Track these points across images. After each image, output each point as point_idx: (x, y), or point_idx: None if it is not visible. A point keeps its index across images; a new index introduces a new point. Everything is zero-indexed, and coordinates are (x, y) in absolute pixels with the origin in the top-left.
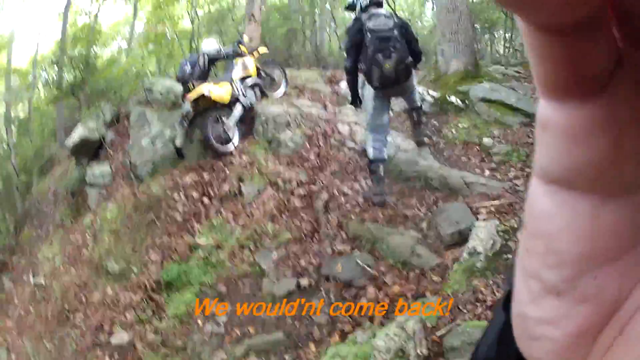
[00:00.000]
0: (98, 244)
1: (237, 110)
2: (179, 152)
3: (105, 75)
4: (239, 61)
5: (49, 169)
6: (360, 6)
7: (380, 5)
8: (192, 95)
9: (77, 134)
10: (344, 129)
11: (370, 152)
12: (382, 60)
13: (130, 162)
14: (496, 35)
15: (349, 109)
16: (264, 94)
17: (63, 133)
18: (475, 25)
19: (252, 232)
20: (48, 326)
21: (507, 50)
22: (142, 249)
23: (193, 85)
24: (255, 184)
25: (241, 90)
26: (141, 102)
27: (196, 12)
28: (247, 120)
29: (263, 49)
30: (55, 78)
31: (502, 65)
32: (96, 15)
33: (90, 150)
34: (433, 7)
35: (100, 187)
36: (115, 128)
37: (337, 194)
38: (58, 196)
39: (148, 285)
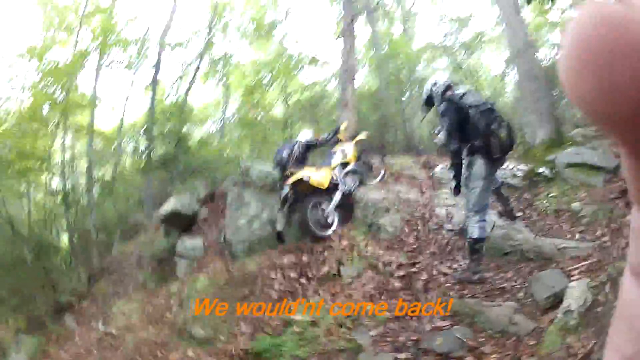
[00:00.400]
0: (184, 309)
1: (337, 195)
2: (280, 236)
3: (199, 155)
4: (338, 148)
5: (132, 235)
6: (438, 94)
7: (452, 87)
8: (292, 179)
9: (170, 205)
10: (441, 212)
11: (476, 232)
12: (498, 130)
13: (225, 239)
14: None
15: (445, 192)
16: (362, 181)
17: (151, 203)
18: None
19: (350, 311)
20: None
21: None
22: (232, 320)
23: (290, 171)
24: (354, 267)
25: (340, 176)
26: (238, 183)
27: (287, 99)
28: (347, 206)
29: (363, 135)
30: (143, 149)
31: (581, 127)
32: (186, 94)
33: (181, 223)
34: (516, 77)
35: (190, 258)
36: (209, 205)
37: (436, 274)
38: (142, 260)
39: (235, 353)
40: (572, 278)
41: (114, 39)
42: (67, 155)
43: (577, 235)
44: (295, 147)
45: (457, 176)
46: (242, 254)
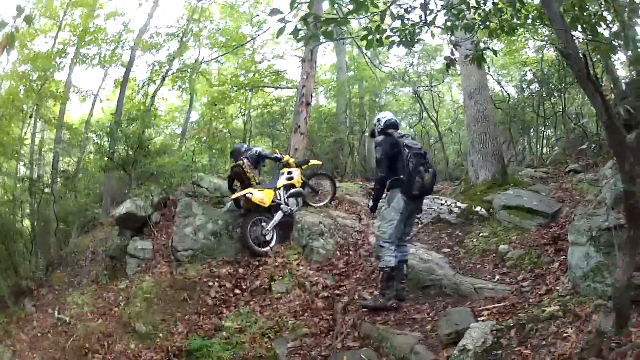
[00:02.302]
0: (129, 306)
1: (277, 215)
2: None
3: (157, 163)
4: (285, 171)
5: (90, 229)
6: (381, 128)
7: (397, 127)
8: (235, 195)
9: (125, 207)
10: (374, 240)
11: (391, 261)
12: (423, 173)
13: (171, 245)
14: (532, 135)
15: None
16: (305, 203)
17: (109, 200)
18: (511, 129)
19: (274, 323)
20: (65, 355)
21: (543, 149)
22: (171, 320)
23: (242, 161)
24: (284, 284)
25: (283, 197)
26: (189, 193)
27: (249, 114)
28: (286, 226)
29: (314, 161)
30: (106, 147)
31: (534, 167)
32: (153, 96)
33: (134, 225)
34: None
35: (140, 259)
36: (162, 211)
37: (357, 298)
38: (96, 256)
39: (170, 350)
40: (479, 318)
41: (91, 37)
42: (36, 144)
43: (497, 277)
44: (253, 151)
45: (377, 199)
46: (186, 260)
